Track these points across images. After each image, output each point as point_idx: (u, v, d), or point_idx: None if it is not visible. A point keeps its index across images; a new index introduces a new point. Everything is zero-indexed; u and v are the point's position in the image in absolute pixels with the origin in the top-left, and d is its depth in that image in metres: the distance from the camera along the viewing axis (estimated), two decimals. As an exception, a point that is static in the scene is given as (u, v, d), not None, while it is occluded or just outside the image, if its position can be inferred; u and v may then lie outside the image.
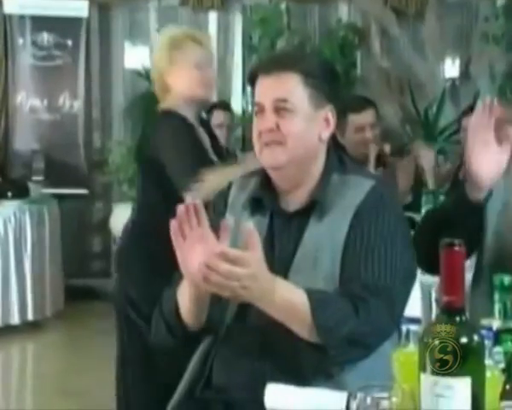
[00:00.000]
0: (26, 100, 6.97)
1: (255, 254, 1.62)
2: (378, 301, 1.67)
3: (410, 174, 3.81)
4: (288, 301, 1.66)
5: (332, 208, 1.78)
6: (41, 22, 6.95)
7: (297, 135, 1.79)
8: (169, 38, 2.93)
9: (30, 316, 5.69)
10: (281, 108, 1.79)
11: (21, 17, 6.95)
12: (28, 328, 5.67)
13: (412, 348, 1.34)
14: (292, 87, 1.80)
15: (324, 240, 1.75)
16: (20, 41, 6.96)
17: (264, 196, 1.86)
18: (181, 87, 2.88)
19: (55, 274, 6.01)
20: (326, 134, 1.85)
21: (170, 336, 1.81)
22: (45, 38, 6.97)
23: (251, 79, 1.86)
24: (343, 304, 1.67)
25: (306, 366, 1.69)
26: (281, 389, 1.53)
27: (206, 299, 1.73)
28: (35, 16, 6.94)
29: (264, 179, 1.87)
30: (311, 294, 1.67)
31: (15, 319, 5.61)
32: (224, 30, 7.16)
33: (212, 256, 1.59)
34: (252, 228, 1.65)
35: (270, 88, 1.81)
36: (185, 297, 1.75)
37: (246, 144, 6.16)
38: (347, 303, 1.66)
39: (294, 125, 1.79)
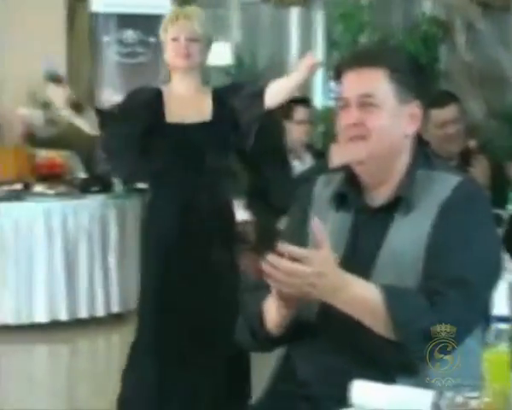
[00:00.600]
0: (112, 96, 7.12)
1: (320, 253, 1.62)
2: (458, 295, 1.64)
3: (486, 168, 3.70)
4: (360, 296, 1.65)
5: (417, 205, 1.75)
6: (126, 20, 7.09)
7: (381, 130, 1.78)
8: (162, 24, 3.34)
9: (115, 308, 5.82)
10: (366, 104, 1.78)
11: (107, 15, 7.12)
12: (113, 320, 5.78)
13: (503, 347, 1.32)
14: (377, 82, 1.79)
15: (409, 237, 1.72)
16: (106, 38, 7.13)
17: (349, 191, 1.85)
18: (168, 63, 3.33)
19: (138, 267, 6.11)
20: (412, 130, 1.83)
21: (252, 340, 1.83)
22: (130, 35, 7.11)
23: (336, 74, 1.86)
24: (419, 299, 1.64)
25: (390, 362, 1.67)
26: (366, 385, 1.52)
27: (294, 313, 1.75)
28: (120, 14, 7.09)
29: (349, 175, 1.86)
30: (385, 289, 1.65)
31: (101, 311, 5.75)
32: (306, 26, 7.16)
33: (275, 254, 1.61)
34: (318, 226, 1.65)
35: (355, 83, 1.80)
36: (273, 312, 1.76)
37: (327, 140, 6.14)
38: (423, 298, 1.64)
39: (379, 120, 1.78)
